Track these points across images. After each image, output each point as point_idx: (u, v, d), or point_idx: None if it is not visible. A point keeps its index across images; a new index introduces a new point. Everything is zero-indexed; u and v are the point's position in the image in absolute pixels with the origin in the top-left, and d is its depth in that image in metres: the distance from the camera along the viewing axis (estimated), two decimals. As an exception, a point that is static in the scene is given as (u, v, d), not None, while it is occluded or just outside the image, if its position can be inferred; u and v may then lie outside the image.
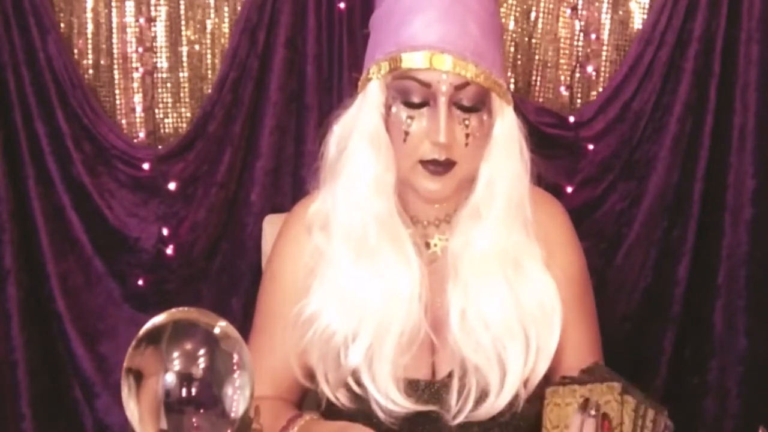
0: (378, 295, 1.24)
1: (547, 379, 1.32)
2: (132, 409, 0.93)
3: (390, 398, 1.24)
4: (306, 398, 1.38)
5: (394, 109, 1.22)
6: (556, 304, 1.29)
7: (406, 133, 1.21)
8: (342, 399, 1.27)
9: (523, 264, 1.28)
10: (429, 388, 1.27)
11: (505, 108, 1.25)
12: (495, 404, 1.25)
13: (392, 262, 1.25)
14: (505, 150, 1.26)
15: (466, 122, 1.21)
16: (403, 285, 1.25)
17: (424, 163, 1.21)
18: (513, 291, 1.27)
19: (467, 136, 1.21)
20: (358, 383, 1.26)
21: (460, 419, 1.25)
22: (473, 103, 1.21)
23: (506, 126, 1.25)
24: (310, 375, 1.31)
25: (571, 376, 1.17)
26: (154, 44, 1.91)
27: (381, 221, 1.25)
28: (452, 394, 1.25)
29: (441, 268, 1.30)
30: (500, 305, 1.26)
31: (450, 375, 1.27)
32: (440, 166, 1.21)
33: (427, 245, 1.31)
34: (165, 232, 1.91)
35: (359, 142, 1.24)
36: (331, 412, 1.30)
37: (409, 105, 1.21)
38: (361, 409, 1.26)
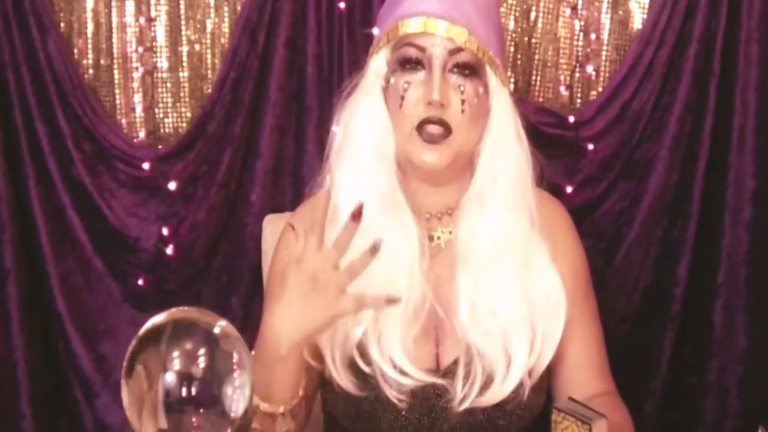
0: (380, 265, 1.23)
1: (550, 371, 1.35)
2: (129, 406, 0.93)
3: (399, 368, 1.25)
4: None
5: (392, 80, 1.28)
6: (561, 296, 1.32)
7: (402, 98, 1.26)
8: (349, 385, 1.27)
9: (530, 256, 1.31)
10: (435, 375, 1.28)
11: (501, 89, 1.30)
12: (500, 391, 1.27)
13: (393, 234, 1.27)
14: (503, 130, 1.30)
15: (461, 88, 1.26)
16: (404, 255, 1.27)
17: (420, 127, 1.25)
18: (521, 281, 1.29)
19: (463, 102, 1.26)
20: (366, 362, 1.27)
21: (465, 405, 1.27)
22: (467, 67, 1.26)
23: (502, 106, 1.30)
24: (320, 358, 1.31)
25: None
26: (154, 44, 1.91)
27: (382, 194, 1.28)
28: (458, 380, 1.27)
29: (446, 259, 1.32)
30: (509, 294, 1.28)
31: (455, 362, 1.28)
32: (435, 128, 1.25)
33: (431, 238, 1.33)
34: (165, 231, 1.91)
35: (360, 116, 1.30)
36: (335, 402, 1.31)
37: (405, 69, 1.27)
38: (367, 397, 1.27)
